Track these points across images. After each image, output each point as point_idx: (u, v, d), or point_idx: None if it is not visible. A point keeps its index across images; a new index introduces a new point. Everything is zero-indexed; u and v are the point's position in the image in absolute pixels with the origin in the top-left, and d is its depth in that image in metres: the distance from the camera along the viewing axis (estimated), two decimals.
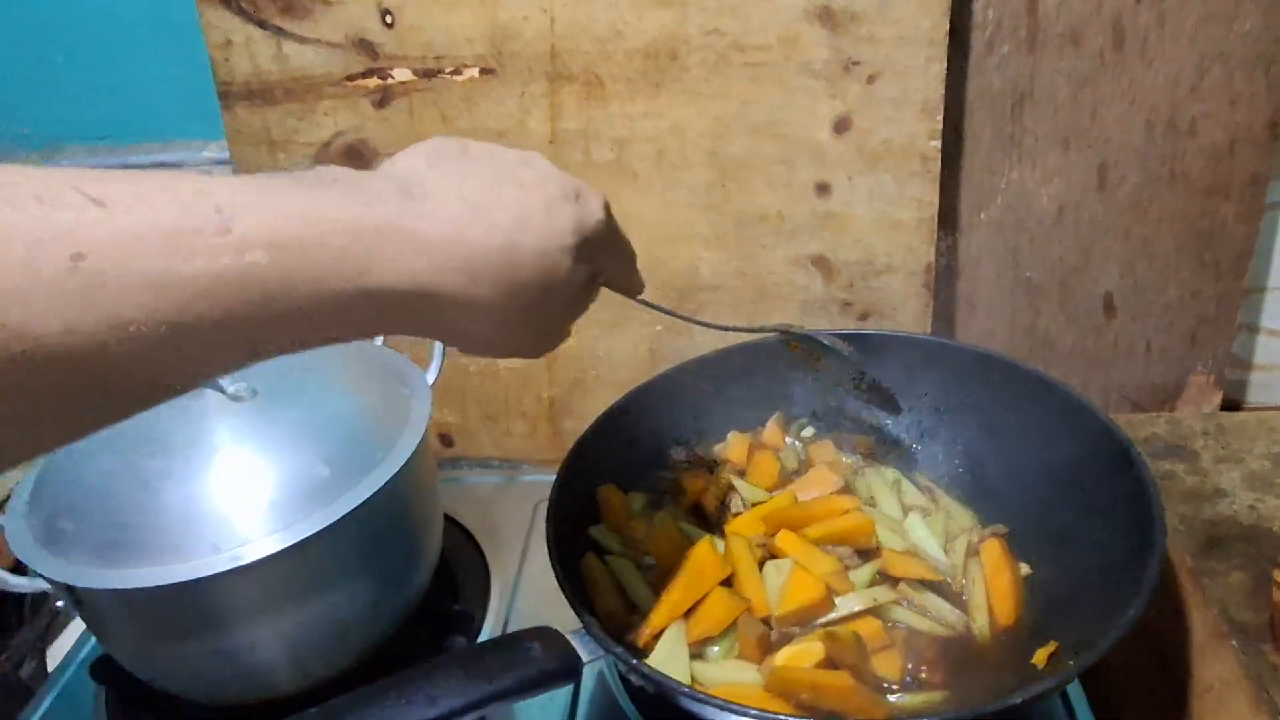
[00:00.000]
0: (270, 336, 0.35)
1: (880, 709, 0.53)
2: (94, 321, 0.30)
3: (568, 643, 0.49)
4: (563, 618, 0.54)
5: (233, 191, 0.34)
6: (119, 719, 0.66)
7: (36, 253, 0.29)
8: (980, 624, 0.61)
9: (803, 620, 0.60)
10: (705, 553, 0.63)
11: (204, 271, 0.32)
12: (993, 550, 0.64)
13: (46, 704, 0.69)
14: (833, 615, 0.60)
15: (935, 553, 0.65)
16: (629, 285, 0.54)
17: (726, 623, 0.59)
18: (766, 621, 0.60)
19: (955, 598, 0.63)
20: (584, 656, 0.49)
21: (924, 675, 0.57)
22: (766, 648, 0.58)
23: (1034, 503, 0.66)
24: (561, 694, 0.65)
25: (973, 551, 0.65)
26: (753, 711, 0.45)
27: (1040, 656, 0.54)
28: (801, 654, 0.56)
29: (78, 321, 0.29)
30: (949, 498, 0.72)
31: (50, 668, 0.79)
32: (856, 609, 0.60)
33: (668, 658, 0.57)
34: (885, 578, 0.63)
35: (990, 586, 0.62)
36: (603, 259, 0.47)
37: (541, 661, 0.48)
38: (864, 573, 0.63)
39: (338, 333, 0.38)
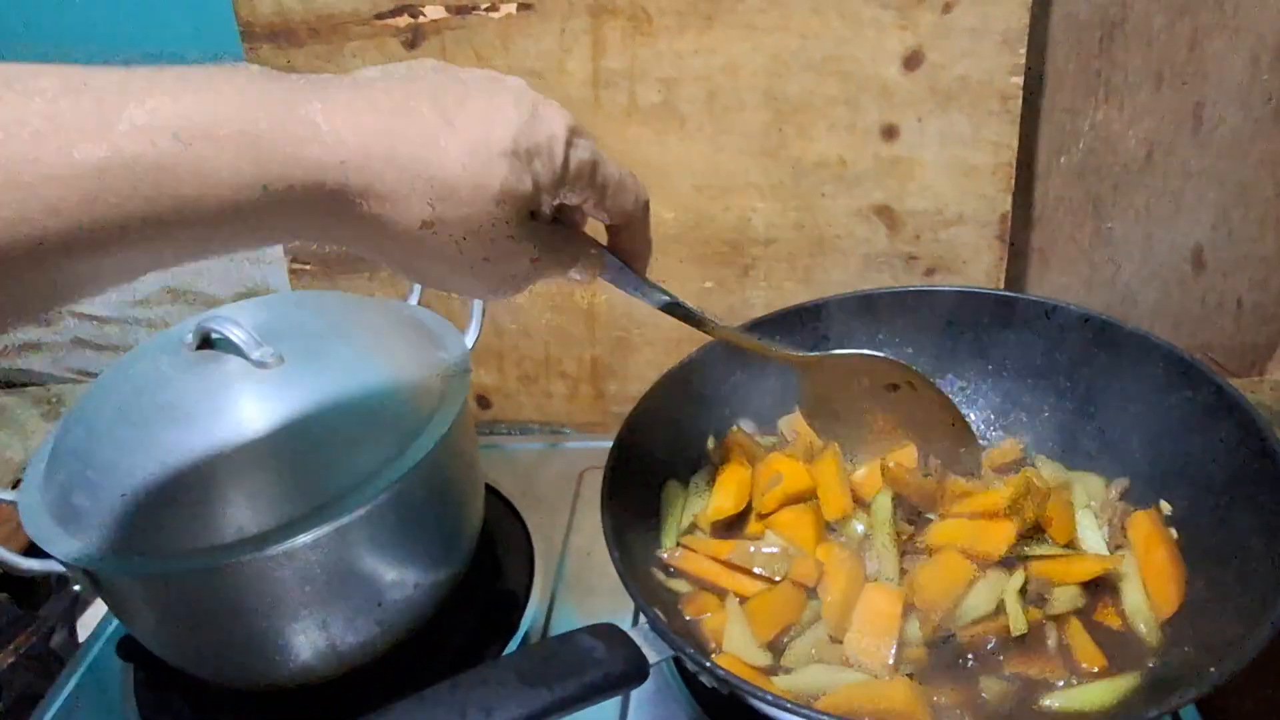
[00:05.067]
0: (162, 233, 0.33)
1: None
2: None
3: (631, 641, 0.45)
4: (609, 590, 0.50)
5: (120, 79, 0.32)
6: (147, 698, 0.63)
7: None
8: (1145, 618, 0.53)
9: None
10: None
11: (91, 159, 0.30)
12: (1142, 525, 0.57)
13: (75, 681, 0.66)
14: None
15: (1099, 543, 0.58)
16: (629, 234, 0.48)
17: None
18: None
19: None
20: (650, 656, 0.44)
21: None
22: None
23: (1139, 482, 0.60)
24: None
25: (1118, 528, 0.58)
26: None
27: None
28: None
29: None
30: (1066, 470, 0.64)
31: (81, 638, 0.76)
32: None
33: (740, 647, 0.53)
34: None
35: (1146, 570, 0.55)
36: (563, 182, 0.42)
37: (605, 664, 0.43)
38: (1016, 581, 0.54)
39: (239, 234, 0.35)
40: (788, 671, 0.54)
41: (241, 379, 0.54)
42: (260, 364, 0.54)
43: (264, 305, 0.61)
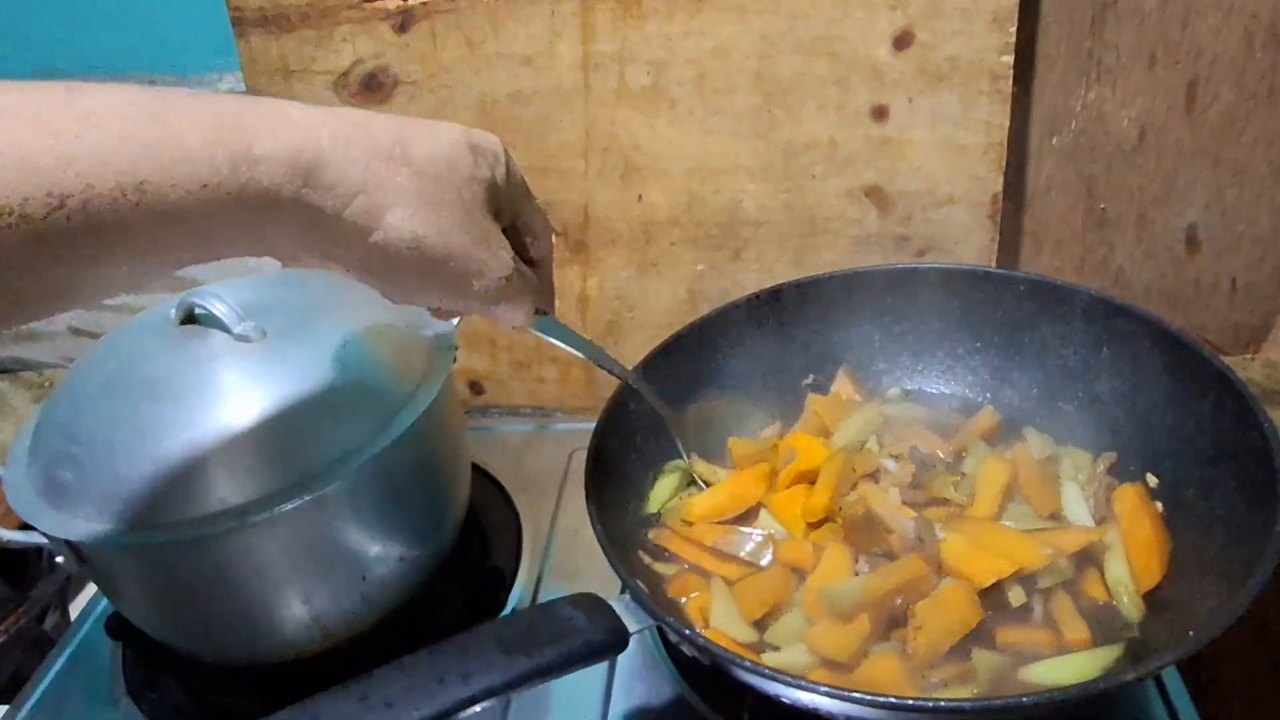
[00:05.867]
0: (138, 240, 0.34)
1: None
2: None
3: (612, 610, 0.45)
4: (599, 572, 0.50)
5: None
6: (136, 677, 0.63)
7: None
8: (1128, 590, 0.53)
9: None
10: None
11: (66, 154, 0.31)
12: (1128, 498, 0.57)
13: (63, 660, 0.66)
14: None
15: (1084, 515, 0.57)
16: (542, 275, 0.51)
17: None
18: None
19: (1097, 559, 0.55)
20: (631, 626, 0.44)
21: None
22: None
23: (1128, 456, 0.60)
24: None
25: (1103, 500, 0.57)
26: (822, 687, 0.40)
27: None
28: None
29: None
30: (1054, 443, 0.64)
31: (73, 620, 0.76)
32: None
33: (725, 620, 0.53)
34: None
35: (1129, 543, 0.54)
36: (511, 185, 0.46)
37: (586, 632, 0.43)
38: None
39: (204, 233, 0.36)
40: (775, 649, 0.54)
41: (225, 354, 0.54)
42: (243, 338, 0.54)
43: (248, 283, 0.61)
